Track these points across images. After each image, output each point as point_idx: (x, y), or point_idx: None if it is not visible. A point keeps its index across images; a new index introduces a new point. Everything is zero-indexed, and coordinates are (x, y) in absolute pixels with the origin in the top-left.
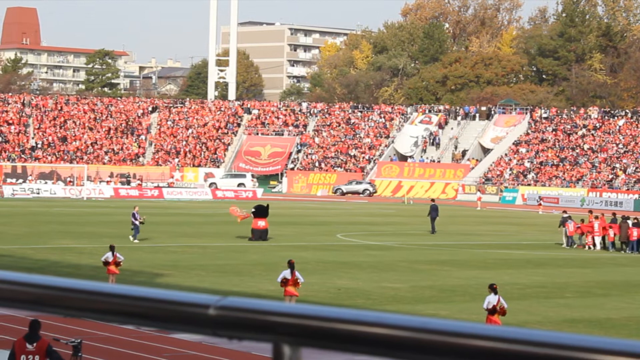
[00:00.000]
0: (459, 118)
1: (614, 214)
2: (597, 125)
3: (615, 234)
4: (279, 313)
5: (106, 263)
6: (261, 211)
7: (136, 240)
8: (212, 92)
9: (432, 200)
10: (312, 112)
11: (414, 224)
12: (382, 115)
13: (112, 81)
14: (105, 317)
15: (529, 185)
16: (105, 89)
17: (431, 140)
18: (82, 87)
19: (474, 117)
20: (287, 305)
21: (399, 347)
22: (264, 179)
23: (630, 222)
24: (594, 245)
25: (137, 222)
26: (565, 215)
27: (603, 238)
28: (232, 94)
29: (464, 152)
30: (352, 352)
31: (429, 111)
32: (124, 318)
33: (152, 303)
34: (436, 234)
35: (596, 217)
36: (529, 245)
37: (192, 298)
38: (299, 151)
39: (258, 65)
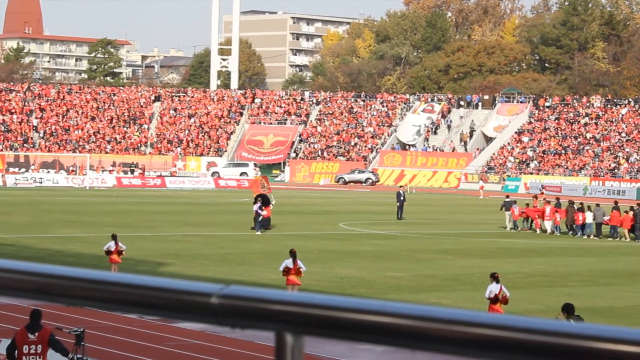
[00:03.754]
0: (461, 111)
1: (557, 199)
2: (600, 113)
3: (561, 218)
4: (281, 302)
5: (108, 252)
6: (266, 200)
7: (258, 232)
8: (214, 81)
9: (400, 187)
10: (314, 101)
11: (416, 213)
12: (384, 104)
13: (115, 70)
14: (108, 306)
15: (531, 174)
16: (108, 78)
17: (434, 129)
18: (85, 76)
19: (476, 106)
20: (289, 294)
21: (402, 336)
22: (267, 168)
23: (576, 206)
24: (543, 229)
25: (261, 213)
26: (508, 199)
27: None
28: (234, 83)
29: (471, 133)
30: (355, 340)
31: (432, 100)
32: (127, 307)
33: (155, 292)
34: (403, 220)
35: (547, 202)
36: (531, 234)
37: (194, 287)
38: (301, 141)
39: (260, 54)
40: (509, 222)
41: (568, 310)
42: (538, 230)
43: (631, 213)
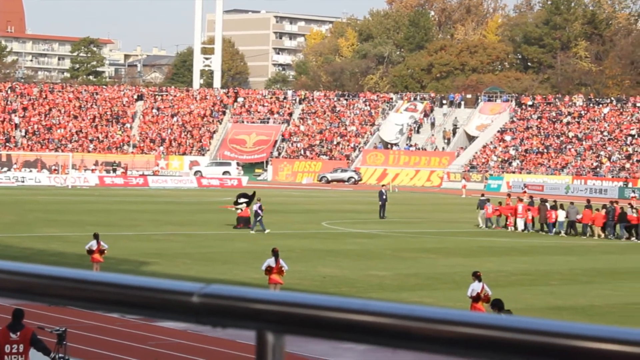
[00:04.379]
0: (444, 109)
1: (531, 197)
2: (582, 112)
3: (533, 217)
4: (262, 301)
5: (90, 251)
6: (250, 199)
7: (252, 231)
8: (197, 80)
9: (382, 186)
10: (297, 100)
11: (399, 212)
12: (367, 103)
13: (97, 69)
14: (89, 305)
15: (513, 172)
16: (91, 77)
17: (416, 128)
18: (67, 75)
19: (459, 105)
20: (270, 292)
21: (384, 335)
22: (249, 167)
23: (548, 204)
24: (516, 227)
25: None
26: (483, 198)
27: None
28: (217, 82)
29: (454, 132)
30: (336, 339)
31: (414, 99)
32: (108, 306)
33: (136, 291)
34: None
35: (520, 200)
36: (505, 232)
37: (175, 286)
38: (284, 140)
39: (243, 53)
40: (482, 220)
41: (498, 305)
42: (511, 228)
43: (603, 211)
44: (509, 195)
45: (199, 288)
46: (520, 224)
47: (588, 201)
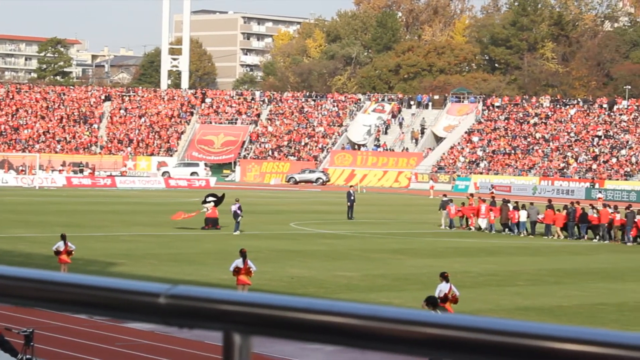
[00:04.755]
0: (413, 109)
1: (493, 197)
2: (549, 113)
3: (495, 217)
4: (228, 301)
5: (57, 252)
6: (219, 200)
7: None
8: (165, 81)
9: (351, 187)
10: (265, 100)
11: (367, 213)
12: (335, 104)
13: (65, 70)
14: (56, 306)
15: (481, 173)
16: (58, 78)
17: (384, 129)
18: (34, 75)
19: (426, 106)
20: (236, 293)
21: (351, 335)
22: (217, 168)
23: (510, 205)
24: (478, 227)
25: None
26: (445, 198)
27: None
28: (185, 82)
29: (422, 132)
30: (303, 340)
31: (382, 100)
32: (76, 307)
33: (103, 292)
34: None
35: (482, 200)
36: (481, 233)
37: (142, 287)
38: (251, 141)
39: (211, 53)
40: (445, 220)
41: (432, 302)
42: (470, 228)
43: (564, 212)
44: (471, 195)
45: (165, 289)
46: (483, 224)
47: (550, 201)
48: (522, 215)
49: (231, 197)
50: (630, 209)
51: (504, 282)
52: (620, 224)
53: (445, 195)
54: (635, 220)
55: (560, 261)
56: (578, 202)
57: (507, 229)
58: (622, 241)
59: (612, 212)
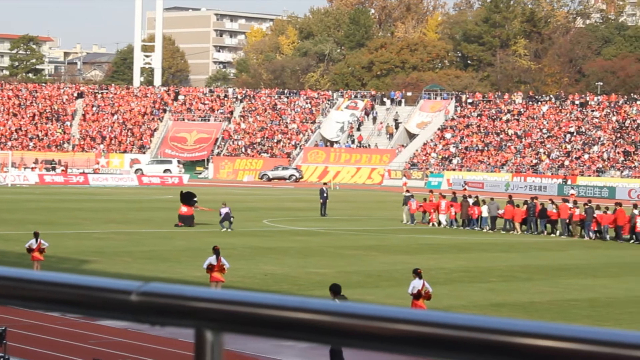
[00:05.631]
0: (387, 104)
1: (454, 193)
2: (522, 110)
3: (456, 212)
4: (200, 299)
5: (30, 250)
6: (187, 198)
7: (229, 229)
8: (137, 78)
9: (324, 184)
10: (238, 97)
11: (340, 209)
12: (308, 101)
13: (37, 67)
14: (29, 304)
15: (454, 170)
16: (30, 75)
17: (357, 126)
18: (6, 72)
19: (399, 103)
20: (208, 290)
21: (323, 332)
22: (190, 165)
23: (471, 200)
24: (439, 222)
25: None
26: (407, 194)
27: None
28: (157, 79)
29: (397, 125)
30: (275, 337)
31: (355, 97)
32: (48, 305)
33: (75, 289)
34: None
35: (443, 196)
36: (453, 230)
37: (114, 284)
38: (224, 138)
39: (184, 51)
40: (407, 216)
41: (335, 290)
42: (434, 224)
43: (524, 207)
44: (431, 191)
45: (137, 286)
46: (443, 220)
47: (510, 197)
48: (484, 211)
49: (203, 194)
50: (590, 204)
51: (477, 279)
52: (579, 219)
53: (407, 191)
54: (595, 215)
55: (532, 257)
56: (537, 198)
57: (467, 225)
58: (581, 236)
59: (571, 207)
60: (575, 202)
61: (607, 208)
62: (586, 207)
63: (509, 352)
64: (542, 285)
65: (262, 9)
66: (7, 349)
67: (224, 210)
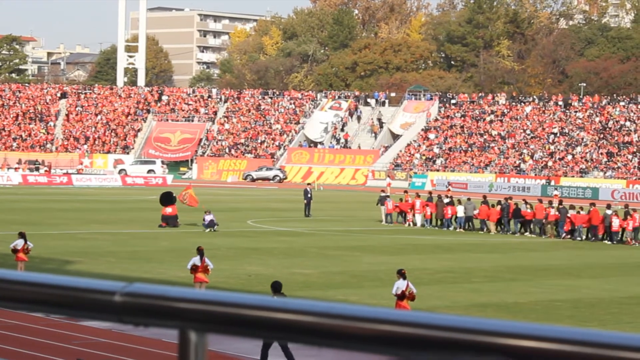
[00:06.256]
0: (372, 104)
1: (430, 193)
2: (505, 111)
3: (432, 212)
4: (184, 299)
5: (15, 250)
6: (167, 198)
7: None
8: (121, 78)
9: (308, 184)
10: (222, 98)
11: (324, 210)
12: (292, 102)
13: (20, 67)
14: (13, 304)
15: (437, 170)
16: (13, 75)
17: (341, 126)
18: None
19: (383, 104)
20: (192, 291)
21: (306, 333)
22: (174, 166)
23: (445, 201)
24: (414, 223)
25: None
26: (383, 194)
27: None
28: (141, 80)
29: (381, 124)
30: (259, 337)
31: (339, 97)
32: (32, 305)
33: (59, 290)
34: (310, 217)
35: (418, 196)
36: (436, 230)
37: (98, 285)
38: (208, 138)
39: (167, 51)
40: (384, 215)
41: (275, 287)
42: (409, 224)
43: (498, 207)
44: (406, 191)
45: (121, 287)
46: (418, 220)
47: (484, 197)
48: (459, 211)
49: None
50: (562, 204)
51: (461, 279)
52: (554, 219)
53: (383, 191)
54: (569, 215)
55: (516, 258)
56: (511, 198)
57: (443, 225)
58: (556, 237)
59: (546, 207)
60: (550, 202)
61: (581, 208)
62: (560, 207)
63: (493, 353)
64: (526, 285)
65: (245, 10)
66: None
67: (208, 218)
